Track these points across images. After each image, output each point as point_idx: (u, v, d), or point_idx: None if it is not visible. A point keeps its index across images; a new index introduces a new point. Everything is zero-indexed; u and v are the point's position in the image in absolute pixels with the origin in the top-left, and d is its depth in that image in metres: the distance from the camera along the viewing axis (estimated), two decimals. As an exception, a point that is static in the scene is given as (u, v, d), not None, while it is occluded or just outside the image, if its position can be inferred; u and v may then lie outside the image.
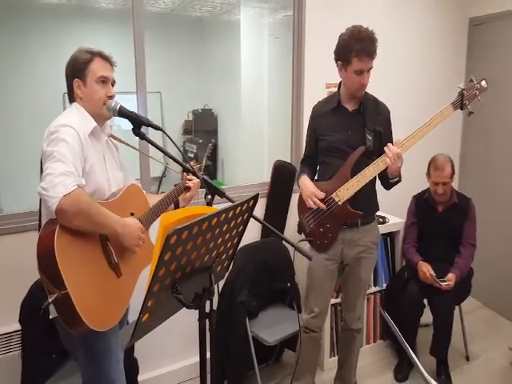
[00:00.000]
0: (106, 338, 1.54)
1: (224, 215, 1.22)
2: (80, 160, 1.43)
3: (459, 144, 3.71)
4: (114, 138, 1.73)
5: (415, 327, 2.64)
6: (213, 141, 4.36)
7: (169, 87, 4.13)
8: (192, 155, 4.47)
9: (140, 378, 2.35)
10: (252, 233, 2.68)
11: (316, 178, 2.19)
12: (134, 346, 2.23)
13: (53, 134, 1.41)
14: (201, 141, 4.17)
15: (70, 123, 1.44)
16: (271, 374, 2.68)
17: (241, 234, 1.42)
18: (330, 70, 2.58)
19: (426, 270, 2.56)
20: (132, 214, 1.63)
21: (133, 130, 1.52)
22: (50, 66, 3.79)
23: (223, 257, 1.40)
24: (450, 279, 2.51)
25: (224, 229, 1.27)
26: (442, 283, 2.49)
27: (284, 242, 1.52)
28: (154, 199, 1.78)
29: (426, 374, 1.18)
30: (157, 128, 1.50)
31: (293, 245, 1.52)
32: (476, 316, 3.38)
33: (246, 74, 3.72)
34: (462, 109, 1.91)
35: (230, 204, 1.25)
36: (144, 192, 1.80)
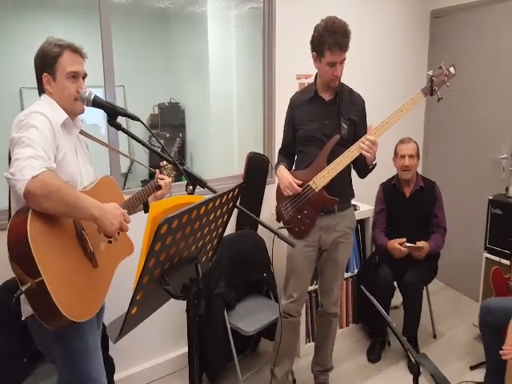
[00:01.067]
0: (84, 335, 1.49)
1: (211, 204, 1.22)
2: (52, 147, 1.37)
3: (422, 133, 3.88)
4: (84, 134, 1.68)
5: (387, 309, 2.75)
6: (180, 135, 4.29)
7: (133, 80, 4.01)
8: (159, 150, 4.39)
9: (116, 376, 2.31)
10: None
11: (294, 167, 2.23)
12: (109, 344, 2.19)
13: (22, 121, 1.35)
14: (168, 135, 4.09)
15: (41, 111, 1.39)
16: (249, 363, 2.70)
17: (225, 224, 1.43)
18: (300, 61, 2.62)
19: (397, 245, 2.68)
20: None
21: (108, 120, 1.49)
22: (4, 59, 3.60)
23: (208, 247, 1.40)
24: (422, 245, 2.66)
25: (211, 218, 1.27)
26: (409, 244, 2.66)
27: (266, 229, 1.53)
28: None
29: (407, 343, 1.25)
30: (134, 118, 1.47)
31: (276, 233, 1.54)
32: (441, 296, 3.56)
33: (214, 67, 3.68)
34: (431, 95, 1.99)
35: (214, 194, 1.26)
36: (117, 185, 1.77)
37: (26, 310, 1.39)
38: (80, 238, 1.44)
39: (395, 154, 2.85)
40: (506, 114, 3.16)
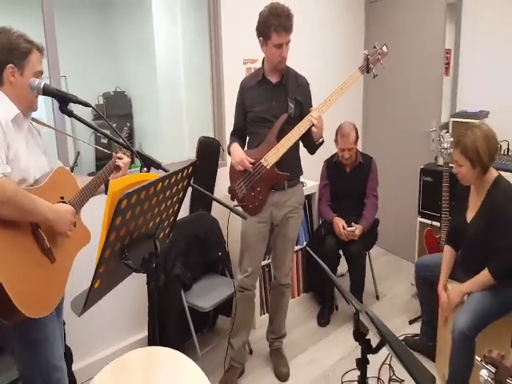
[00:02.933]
0: (43, 324, 1.52)
1: (167, 181, 1.30)
2: (3, 147, 1.38)
3: (361, 110, 4.15)
4: (36, 121, 1.68)
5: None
6: (128, 124, 4.24)
7: (74, 70, 3.90)
8: (106, 141, 4.31)
9: (74, 366, 2.27)
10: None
11: (246, 148, 2.33)
12: (65, 333, 2.20)
13: None
14: (115, 125, 4.00)
15: None
16: (206, 340, 2.78)
17: (181, 201, 1.50)
18: (246, 46, 2.69)
19: (340, 226, 2.91)
20: (62, 198, 1.61)
21: (60, 107, 1.50)
22: None
23: (165, 223, 1.49)
24: (355, 227, 2.89)
25: (167, 195, 1.35)
26: (349, 228, 2.89)
27: (222, 205, 1.64)
28: (82, 181, 1.76)
29: (348, 293, 1.41)
30: (86, 105, 1.51)
31: (228, 207, 1.65)
32: (382, 261, 3.87)
33: (161, 53, 3.64)
34: (368, 72, 2.16)
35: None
36: (72, 174, 1.78)
37: None
38: (36, 235, 1.46)
39: (336, 139, 3.01)
40: (434, 91, 3.42)
